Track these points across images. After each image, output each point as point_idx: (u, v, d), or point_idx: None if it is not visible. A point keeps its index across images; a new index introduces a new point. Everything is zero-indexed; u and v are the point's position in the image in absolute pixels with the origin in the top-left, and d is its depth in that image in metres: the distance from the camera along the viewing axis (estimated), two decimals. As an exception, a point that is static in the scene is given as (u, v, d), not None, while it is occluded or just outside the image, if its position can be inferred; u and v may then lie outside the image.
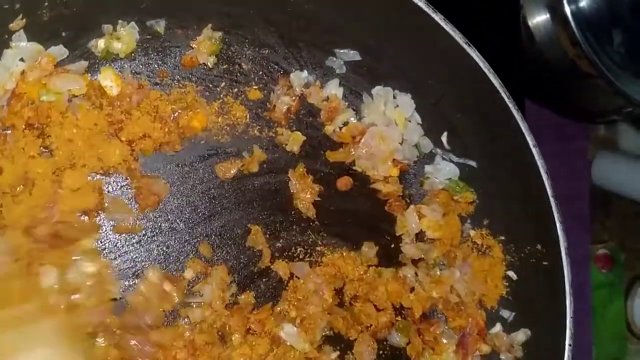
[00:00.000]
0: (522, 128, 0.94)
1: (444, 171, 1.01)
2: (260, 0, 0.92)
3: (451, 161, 1.01)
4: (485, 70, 0.92)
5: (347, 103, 1.00)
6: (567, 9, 1.35)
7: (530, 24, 1.41)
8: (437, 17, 0.89)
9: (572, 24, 1.33)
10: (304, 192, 0.96)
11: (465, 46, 0.91)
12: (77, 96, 0.87)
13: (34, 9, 0.83)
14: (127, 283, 0.90)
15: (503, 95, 0.93)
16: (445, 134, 1.01)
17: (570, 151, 1.63)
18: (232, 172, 0.94)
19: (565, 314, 0.95)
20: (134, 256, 0.91)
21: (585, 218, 1.61)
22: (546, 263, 0.97)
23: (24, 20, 0.83)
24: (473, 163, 1.02)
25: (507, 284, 1.02)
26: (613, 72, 1.37)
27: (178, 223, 0.94)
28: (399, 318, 0.99)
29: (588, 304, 1.58)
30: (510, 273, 1.02)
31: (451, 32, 0.90)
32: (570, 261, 0.96)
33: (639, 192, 1.67)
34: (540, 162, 0.95)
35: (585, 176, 1.65)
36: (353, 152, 0.98)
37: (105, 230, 0.90)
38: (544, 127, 1.53)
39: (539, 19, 1.40)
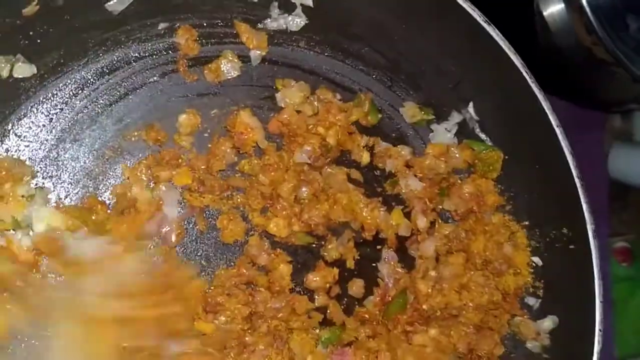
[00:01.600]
0: (545, 108, 0.92)
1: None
2: None
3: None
4: (506, 49, 0.90)
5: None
6: (582, -6, 1.32)
7: (544, 13, 1.39)
8: None
9: (588, 11, 1.31)
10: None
11: (484, 25, 0.89)
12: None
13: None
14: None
15: (524, 74, 0.91)
16: (471, 104, 0.99)
17: (587, 142, 1.60)
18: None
19: (594, 298, 0.92)
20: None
21: (604, 209, 1.59)
22: (573, 247, 0.95)
23: None
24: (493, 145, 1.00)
25: (532, 270, 0.99)
26: (630, 58, 1.34)
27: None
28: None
29: (608, 297, 1.56)
30: (536, 259, 0.99)
31: (469, 10, 0.88)
32: (592, 249, 0.93)
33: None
34: (564, 143, 0.92)
35: (603, 167, 1.62)
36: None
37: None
38: (560, 118, 1.51)
39: (553, 8, 1.38)
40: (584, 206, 0.92)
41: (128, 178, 0.91)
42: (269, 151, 0.97)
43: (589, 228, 0.92)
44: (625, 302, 1.62)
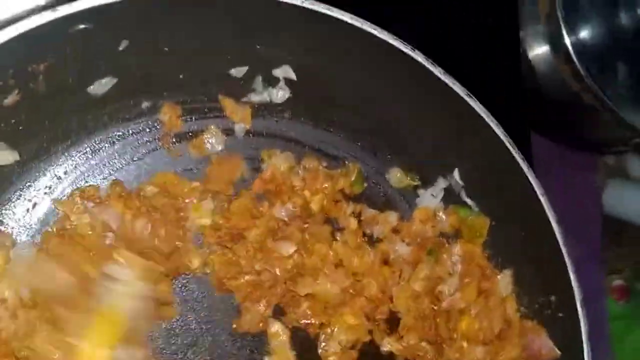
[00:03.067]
0: (530, 178, 0.92)
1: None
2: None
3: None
4: (489, 122, 0.90)
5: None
6: (568, 41, 1.33)
7: (530, 57, 1.39)
8: (437, 71, 0.87)
9: (574, 57, 1.32)
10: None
11: (466, 98, 0.89)
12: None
13: None
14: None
15: (508, 145, 0.91)
16: (456, 170, 0.99)
17: (580, 181, 1.61)
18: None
19: (584, 363, 0.92)
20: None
21: (597, 248, 1.59)
22: (561, 314, 0.94)
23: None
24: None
25: (519, 336, 0.99)
26: (618, 104, 1.35)
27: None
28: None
29: (605, 337, 1.56)
30: (525, 325, 0.99)
31: (451, 85, 0.88)
32: (585, 296, 0.93)
33: (652, 219, 1.65)
34: (550, 213, 0.92)
35: (596, 205, 1.63)
36: None
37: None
38: (553, 157, 1.51)
39: (539, 51, 1.39)
40: (572, 276, 0.92)
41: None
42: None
43: (577, 298, 0.91)
44: (622, 339, 1.62)
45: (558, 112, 1.45)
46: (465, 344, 0.97)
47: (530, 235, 0.96)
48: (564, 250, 0.92)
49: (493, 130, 0.91)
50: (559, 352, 0.95)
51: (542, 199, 0.93)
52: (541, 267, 0.96)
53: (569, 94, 1.37)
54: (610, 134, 1.50)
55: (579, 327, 0.91)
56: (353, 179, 1.00)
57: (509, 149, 0.92)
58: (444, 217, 1.01)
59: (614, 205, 1.66)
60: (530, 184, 0.92)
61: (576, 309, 0.92)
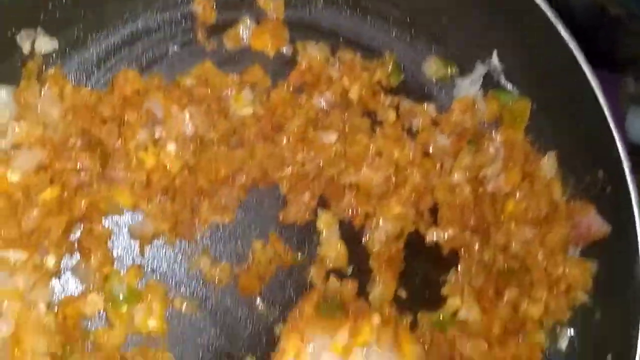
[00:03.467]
0: (576, 54, 0.90)
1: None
2: None
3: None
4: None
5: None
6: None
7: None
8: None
9: (600, -34, 1.29)
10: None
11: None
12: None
13: None
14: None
15: (552, 19, 0.89)
16: (495, 53, 0.97)
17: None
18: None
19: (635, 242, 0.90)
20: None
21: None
22: (609, 189, 0.93)
23: None
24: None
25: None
26: (643, 12, 1.32)
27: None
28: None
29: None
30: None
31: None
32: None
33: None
34: (595, 84, 0.90)
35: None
36: None
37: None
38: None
39: (564, -34, 1.36)
40: (619, 145, 0.90)
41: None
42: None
43: (626, 166, 0.90)
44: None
45: (583, 30, 1.43)
46: (513, 226, 0.96)
47: (575, 115, 0.95)
48: (610, 121, 0.91)
49: (535, 5, 0.89)
50: (609, 227, 0.93)
51: (588, 72, 0.91)
52: (588, 145, 0.94)
53: (595, 6, 1.35)
54: (635, 48, 1.48)
55: (629, 196, 0.89)
56: (389, 69, 0.99)
57: (552, 24, 0.90)
58: (483, 105, 0.99)
59: (636, 132, 1.64)
60: (575, 58, 0.90)
61: (625, 178, 0.89)
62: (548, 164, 0.98)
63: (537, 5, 0.90)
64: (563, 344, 0.97)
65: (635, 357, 0.87)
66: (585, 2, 1.35)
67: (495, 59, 0.98)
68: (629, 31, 1.37)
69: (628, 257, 0.90)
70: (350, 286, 0.94)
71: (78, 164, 0.83)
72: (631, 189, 0.90)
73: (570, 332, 0.97)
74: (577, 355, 0.96)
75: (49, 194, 0.81)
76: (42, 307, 0.81)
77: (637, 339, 0.87)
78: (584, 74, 0.92)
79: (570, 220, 0.96)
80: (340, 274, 0.94)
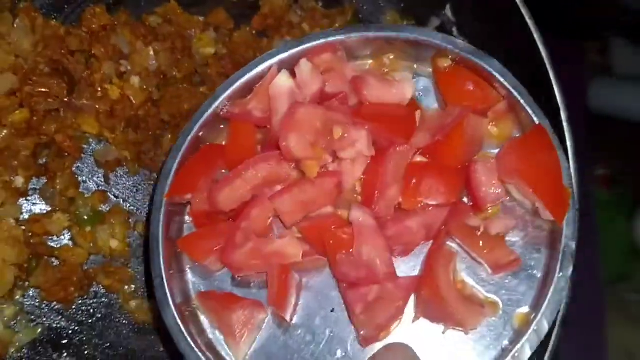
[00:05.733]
0: (523, 11, 0.95)
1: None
2: None
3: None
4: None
5: None
6: None
7: None
8: None
9: None
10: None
11: None
12: None
13: None
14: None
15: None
16: (448, 6, 1.03)
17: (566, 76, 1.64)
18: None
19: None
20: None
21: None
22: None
23: None
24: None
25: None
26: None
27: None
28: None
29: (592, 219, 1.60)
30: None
31: None
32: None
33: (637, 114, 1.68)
34: (540, 43, 0.96)
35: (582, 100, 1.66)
36: None
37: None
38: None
39: None
40: (557, 94, 0.96)
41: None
42: None
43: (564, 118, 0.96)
44: (607, 227, 1.67)
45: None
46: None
47: (521, 75, 1.00)
48: (552, 76, 0.96)
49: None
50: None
51: (536, 35, 0.96)
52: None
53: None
54: (599, 14, 1.52)
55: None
56: (349, 19, 1.04)
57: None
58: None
59: (599, 103, 1.69)
60: (524, 16, 0.96)
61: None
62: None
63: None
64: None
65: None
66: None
67: (448, 12, 1.04)
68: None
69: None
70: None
71: (46, 89, 0.88)
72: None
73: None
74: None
75: (18, 115, 0.87)
76: (12, 222, 0.87)
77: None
78: (532, 35, 0.97)
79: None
80: None
